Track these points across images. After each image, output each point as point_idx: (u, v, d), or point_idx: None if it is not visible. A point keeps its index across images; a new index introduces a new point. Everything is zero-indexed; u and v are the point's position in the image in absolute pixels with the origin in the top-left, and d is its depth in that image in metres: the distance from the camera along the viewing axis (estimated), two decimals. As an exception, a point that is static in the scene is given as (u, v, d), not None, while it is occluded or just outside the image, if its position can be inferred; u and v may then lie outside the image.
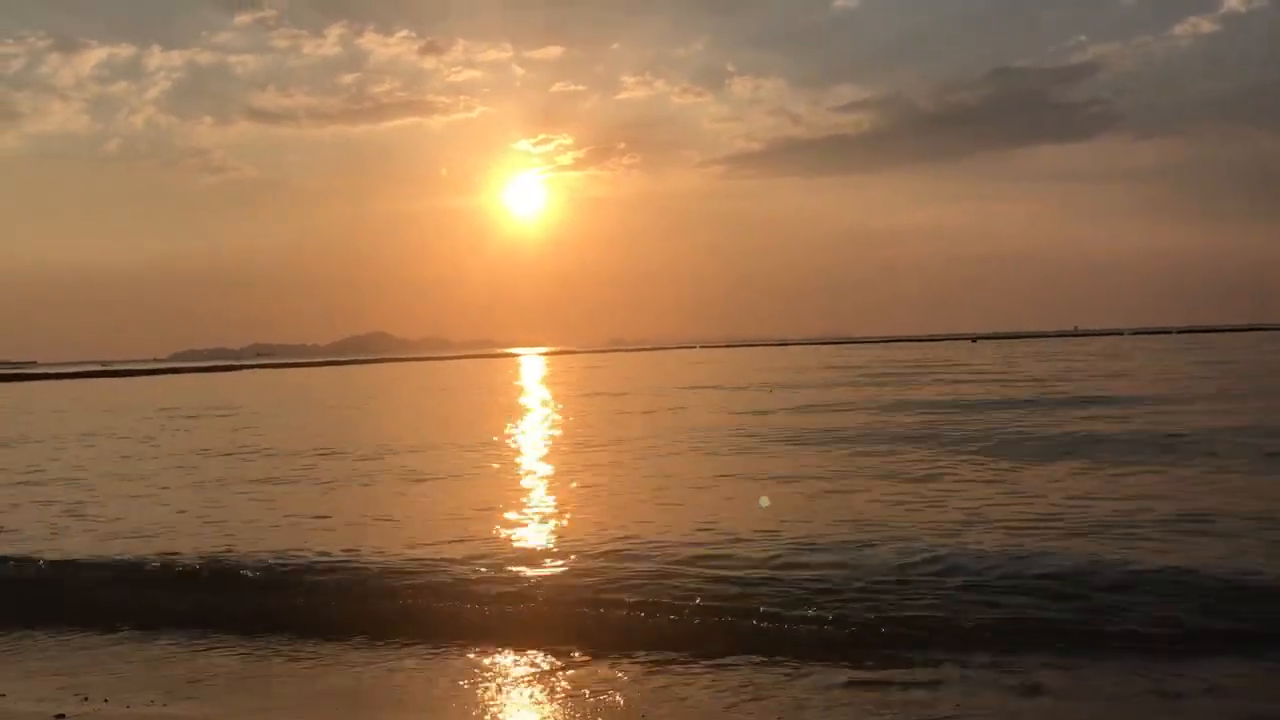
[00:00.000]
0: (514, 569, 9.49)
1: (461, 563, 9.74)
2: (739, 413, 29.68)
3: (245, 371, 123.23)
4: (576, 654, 7.46)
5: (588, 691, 6.66)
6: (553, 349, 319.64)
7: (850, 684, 6.60)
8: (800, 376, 54.53)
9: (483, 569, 9.50)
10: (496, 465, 18.76)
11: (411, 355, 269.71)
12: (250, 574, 9.81)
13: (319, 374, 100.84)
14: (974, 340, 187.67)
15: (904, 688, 6.51)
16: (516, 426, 27.58)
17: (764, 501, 12.59)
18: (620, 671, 7.05)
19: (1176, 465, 15.24)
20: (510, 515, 12.87)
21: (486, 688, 6.87)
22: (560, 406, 37.56)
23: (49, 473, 19.58)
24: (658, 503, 13.64)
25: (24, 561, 10.77)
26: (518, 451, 21.37)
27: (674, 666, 7.07)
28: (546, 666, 7.23)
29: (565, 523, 12.29)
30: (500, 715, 6.40)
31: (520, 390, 52.04)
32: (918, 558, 9.18)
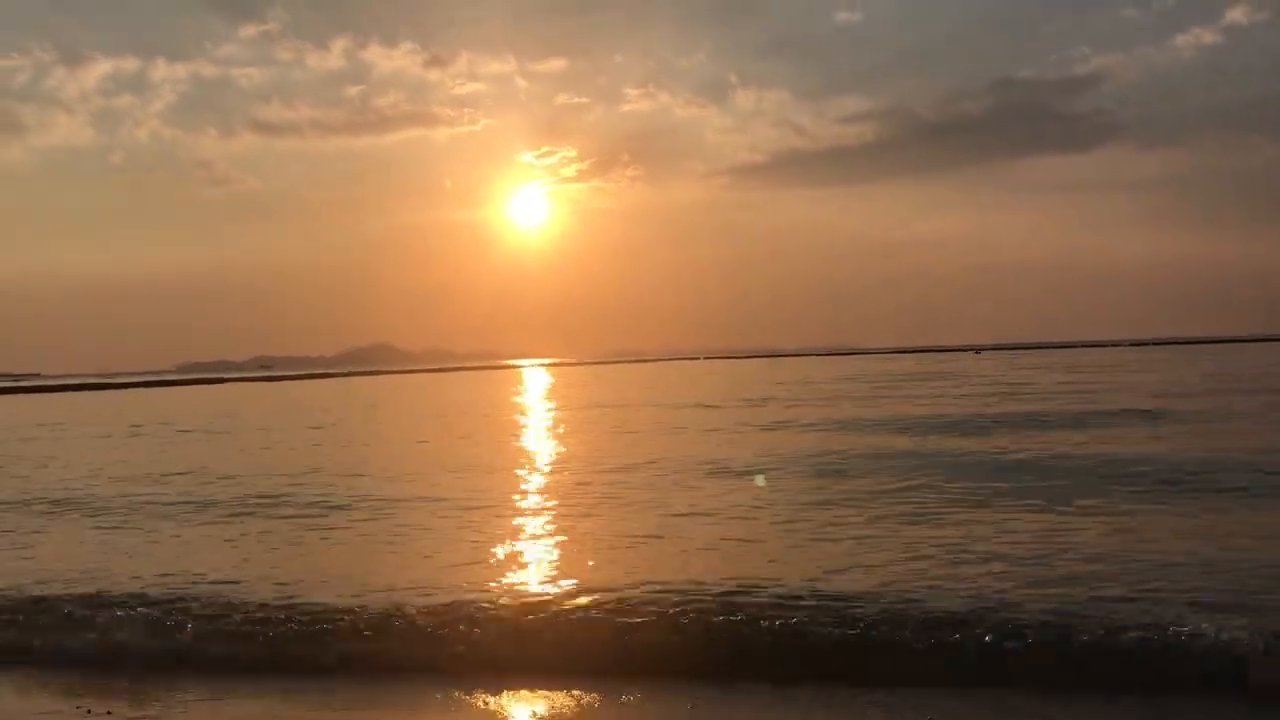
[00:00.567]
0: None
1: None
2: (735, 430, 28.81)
3: (238, 384, 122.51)
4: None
5: None
6: (556, 360, 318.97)
7: None
8: (802, 391, 53.60)
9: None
10: (475, 518, 14.40)
11: (413, 368, 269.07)
12: None
13: (306, 387, 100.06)
14: (978, 351, 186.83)
15: None
16: (508, 462, 23.39)
17: (760, 480, 13.54)
18: None
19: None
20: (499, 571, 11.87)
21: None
22: (556, 431, 34.09)
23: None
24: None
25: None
26: (504, 506, 16.43)
27: None
28: None
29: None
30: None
31: (517, 409, 48.46)
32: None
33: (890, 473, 17.28)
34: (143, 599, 9.42)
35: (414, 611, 8.59)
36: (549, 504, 15.79)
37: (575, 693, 7.25)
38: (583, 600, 8.70)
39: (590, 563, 11.15)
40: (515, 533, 13.28)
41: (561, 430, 32.91)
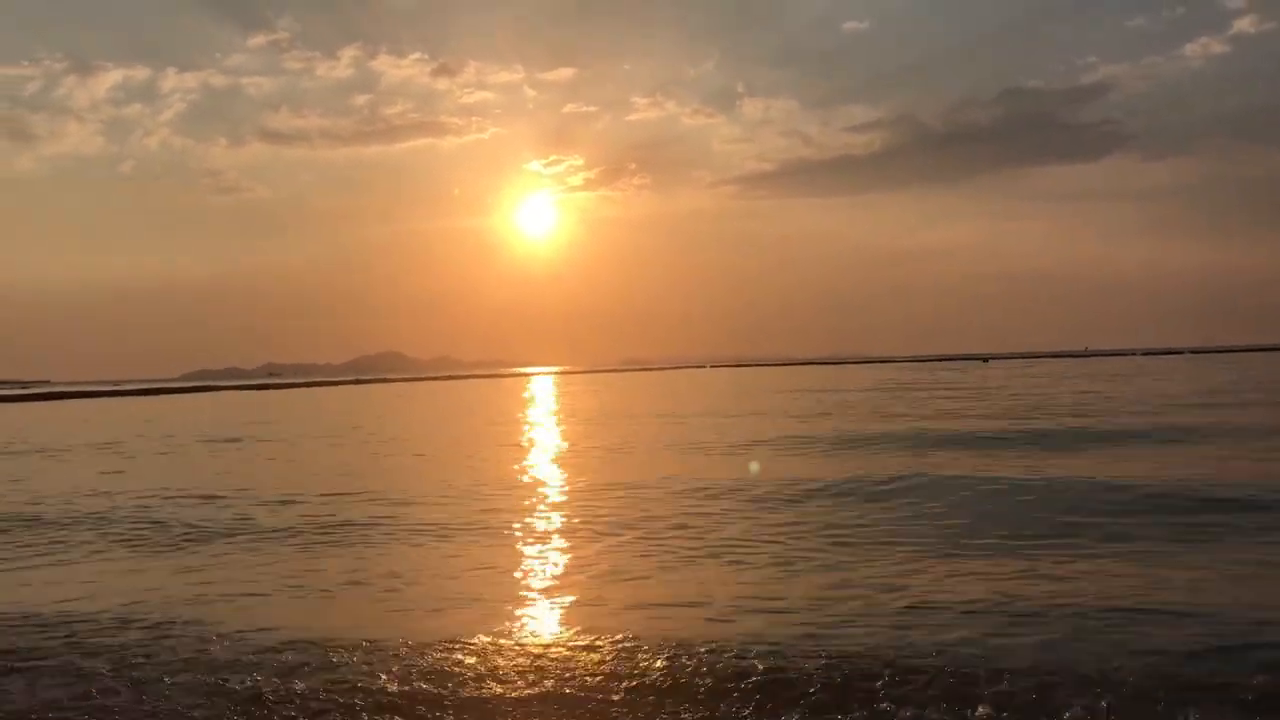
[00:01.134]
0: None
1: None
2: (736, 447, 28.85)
3: (246, 391, 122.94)
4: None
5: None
6: (563, 369, 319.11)
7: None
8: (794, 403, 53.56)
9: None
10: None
11: (419, 375, 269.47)
12: None
13: (302, 396, 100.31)
14: (985, 360, 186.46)
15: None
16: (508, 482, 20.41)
17: (754, 467, 13.26)
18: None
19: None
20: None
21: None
22: (563, 446, 29.72)
23: None
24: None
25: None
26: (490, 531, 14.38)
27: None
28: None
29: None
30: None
31: (522, 420, 44.72)
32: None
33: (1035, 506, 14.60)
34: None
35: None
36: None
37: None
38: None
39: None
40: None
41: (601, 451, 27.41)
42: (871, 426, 30.78)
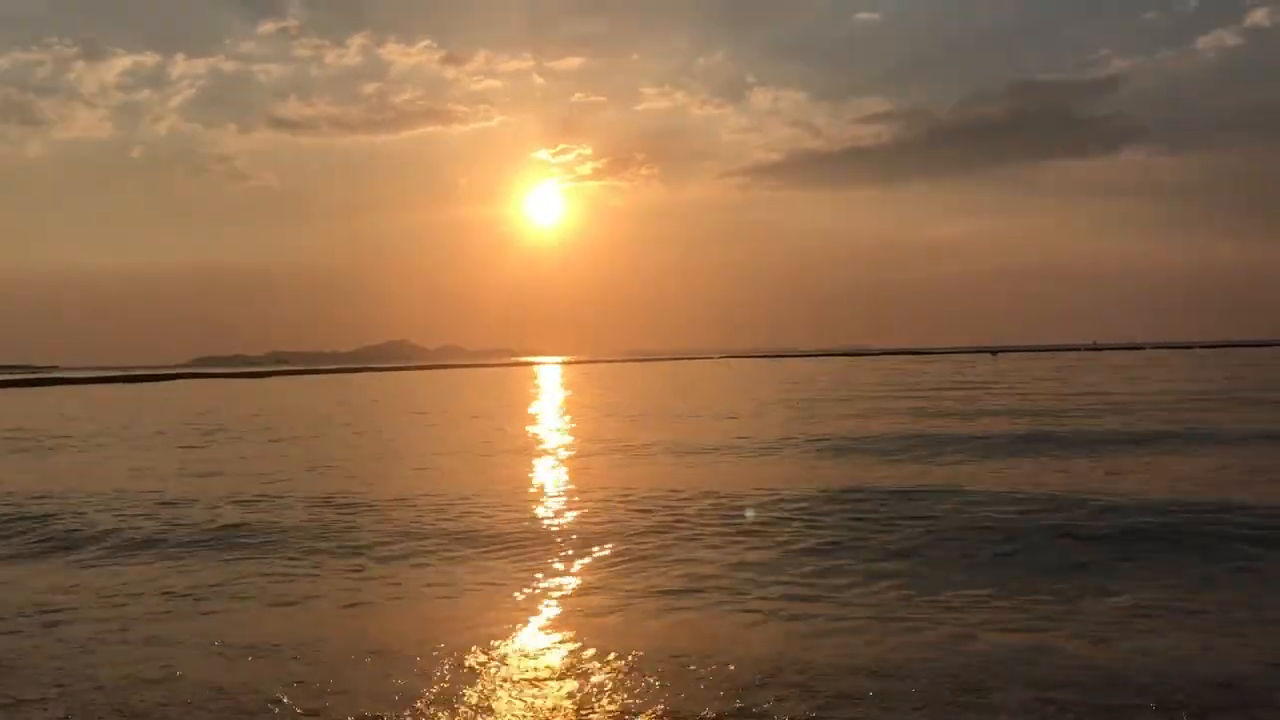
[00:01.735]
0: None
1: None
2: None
3: (250, 380, 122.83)
4: None
5: None
6: (569, 359, 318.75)
7: None
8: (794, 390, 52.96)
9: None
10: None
11: (426, 364, 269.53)
12: None
13: (302, 384, 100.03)
14: (994, 353, 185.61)
15: None
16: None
17: (750, 514, 12.39)
18: None
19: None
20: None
21: None
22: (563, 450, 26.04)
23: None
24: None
25: None
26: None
27: None
28: None
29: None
30: None
31: (521, 416, 40.65)
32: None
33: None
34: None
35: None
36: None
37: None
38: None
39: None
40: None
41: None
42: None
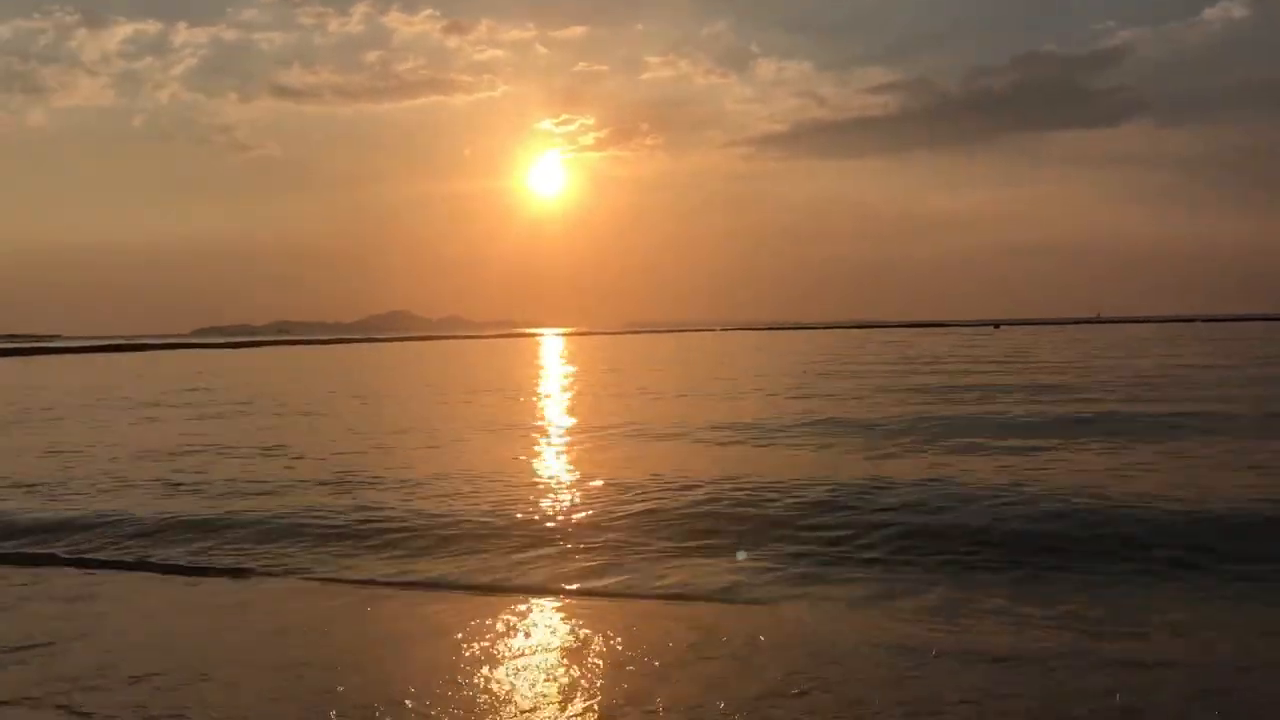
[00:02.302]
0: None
1: None
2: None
3: (264, 348, 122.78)
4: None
5: None
6: (571, 330, 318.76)
7: None
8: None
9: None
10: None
11: (430, 334, 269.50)
12: None
13: (300, 354, 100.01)
14: (996, 326, 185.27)
15: None
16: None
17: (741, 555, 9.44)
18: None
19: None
20: None
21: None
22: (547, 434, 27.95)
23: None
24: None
25: None
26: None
27: None
28: None
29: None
30: None
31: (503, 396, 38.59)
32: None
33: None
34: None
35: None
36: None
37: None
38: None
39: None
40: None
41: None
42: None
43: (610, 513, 11.25)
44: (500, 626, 7.46)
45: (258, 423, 24.01)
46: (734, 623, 7.39)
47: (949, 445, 16.41)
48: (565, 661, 6.67)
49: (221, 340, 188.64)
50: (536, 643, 7.08)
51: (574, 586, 8.55)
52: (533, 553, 9.66)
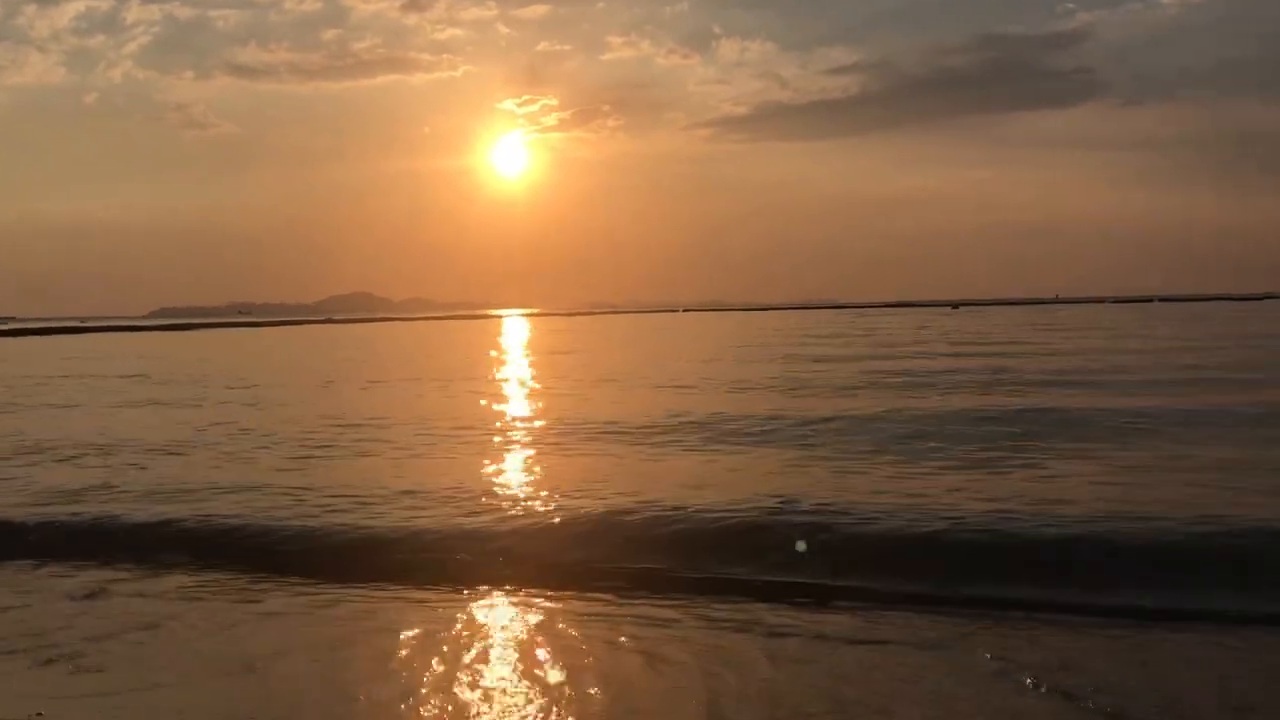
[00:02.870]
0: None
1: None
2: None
3: (220, 330, 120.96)
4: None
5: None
6: (533, 311, 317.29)
7: None
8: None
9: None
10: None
11: (394, 315, 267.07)
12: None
13: (256, 336, 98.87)
14: (954, 307, 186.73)
15: None
16: None
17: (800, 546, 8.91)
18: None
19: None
20: None
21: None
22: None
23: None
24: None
25: None
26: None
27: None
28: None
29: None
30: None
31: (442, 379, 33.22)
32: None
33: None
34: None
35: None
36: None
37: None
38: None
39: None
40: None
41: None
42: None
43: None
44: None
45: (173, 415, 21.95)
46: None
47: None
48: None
49: (168, 323, 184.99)
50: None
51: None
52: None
